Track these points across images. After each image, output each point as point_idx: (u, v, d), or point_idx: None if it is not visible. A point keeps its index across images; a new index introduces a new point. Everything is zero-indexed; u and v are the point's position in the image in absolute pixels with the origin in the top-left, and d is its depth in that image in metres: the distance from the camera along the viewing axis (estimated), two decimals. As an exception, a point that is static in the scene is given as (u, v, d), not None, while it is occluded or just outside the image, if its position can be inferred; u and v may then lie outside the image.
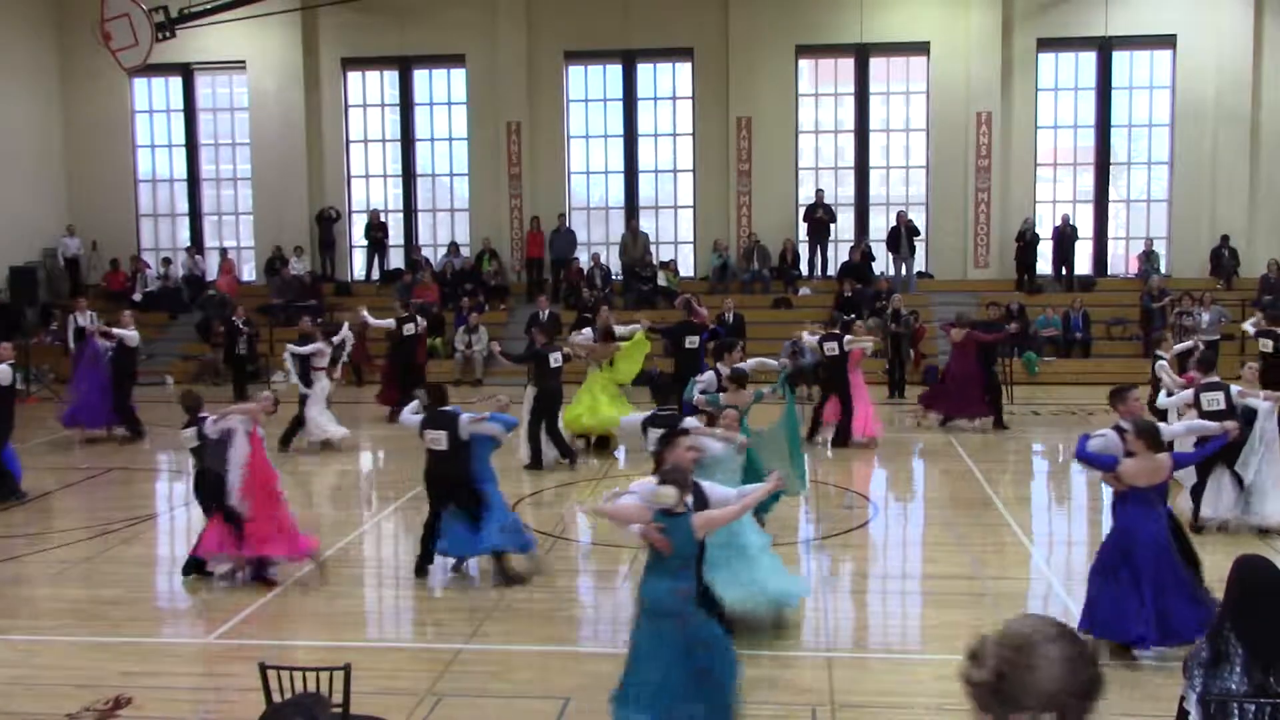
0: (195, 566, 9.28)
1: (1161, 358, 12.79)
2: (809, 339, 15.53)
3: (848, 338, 15.16)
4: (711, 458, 7.79)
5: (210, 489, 9.16)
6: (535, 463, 13.39)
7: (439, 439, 8.99)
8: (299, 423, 14.78)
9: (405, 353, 17.53)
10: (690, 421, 7.89)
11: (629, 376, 14.65)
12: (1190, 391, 10.55)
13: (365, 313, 17.61)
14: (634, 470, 13.83)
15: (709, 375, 11.54)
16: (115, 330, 15.94)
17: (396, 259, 25.17)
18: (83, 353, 16.41)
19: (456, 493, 8.99)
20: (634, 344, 14.69)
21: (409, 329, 17.46)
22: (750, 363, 12.13)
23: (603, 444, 14.66)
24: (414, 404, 9.69)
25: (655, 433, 8.57)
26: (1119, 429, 7.63)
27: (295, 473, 13.55)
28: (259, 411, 9.36)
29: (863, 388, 15.05)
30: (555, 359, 13.71)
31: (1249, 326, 15.53)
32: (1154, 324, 20.70)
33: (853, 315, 21.88)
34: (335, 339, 15.80)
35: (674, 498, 5.78)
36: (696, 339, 15.45)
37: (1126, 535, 7.14)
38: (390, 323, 17.43)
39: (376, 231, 24.72)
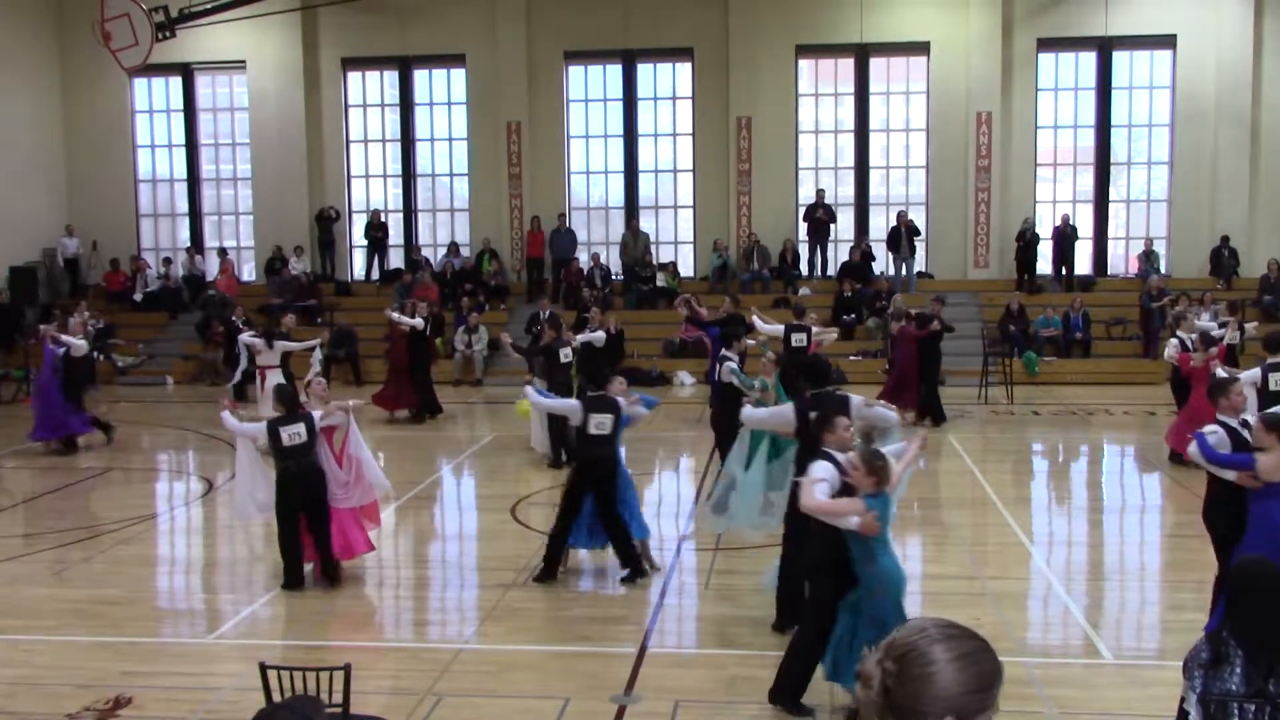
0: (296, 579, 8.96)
1: (1179, 337, 13.21)
2: (760, 324, 15.15)
3: (815, 329, 15.12)
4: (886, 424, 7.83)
5: (315, 489, 8.93)
6: (556, 462, 13.42)
7: (605, 423, 8.99)
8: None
9: (420, 354, 17.19)
10: (856, 400, 7.68)
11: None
12: (1258, 371, 10.66)
13: (391, 313, 17.20)
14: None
15: (735, 360, 11.75)
16: (64, 337, 15.29)
17: (396, 259, 25.18)
18: (43, 361, 15.61)
19: (613, 476, 9.05)
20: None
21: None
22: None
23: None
24: (533, 386, 10.13)
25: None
26: (1224, 424, 7.48)
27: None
28: (356, 408, 9.37)
29: None
30: (565, 354, 13.77)
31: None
32: (1153, 324, 20.73)
33: (853, 315, 21.99)
34: (288, 345, 15.30)
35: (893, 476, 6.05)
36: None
37: (1277, 532, 6.82)
38: (419, 321, 16.86)
39: (376, 231, 24.73)
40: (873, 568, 6.06)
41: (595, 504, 8.96)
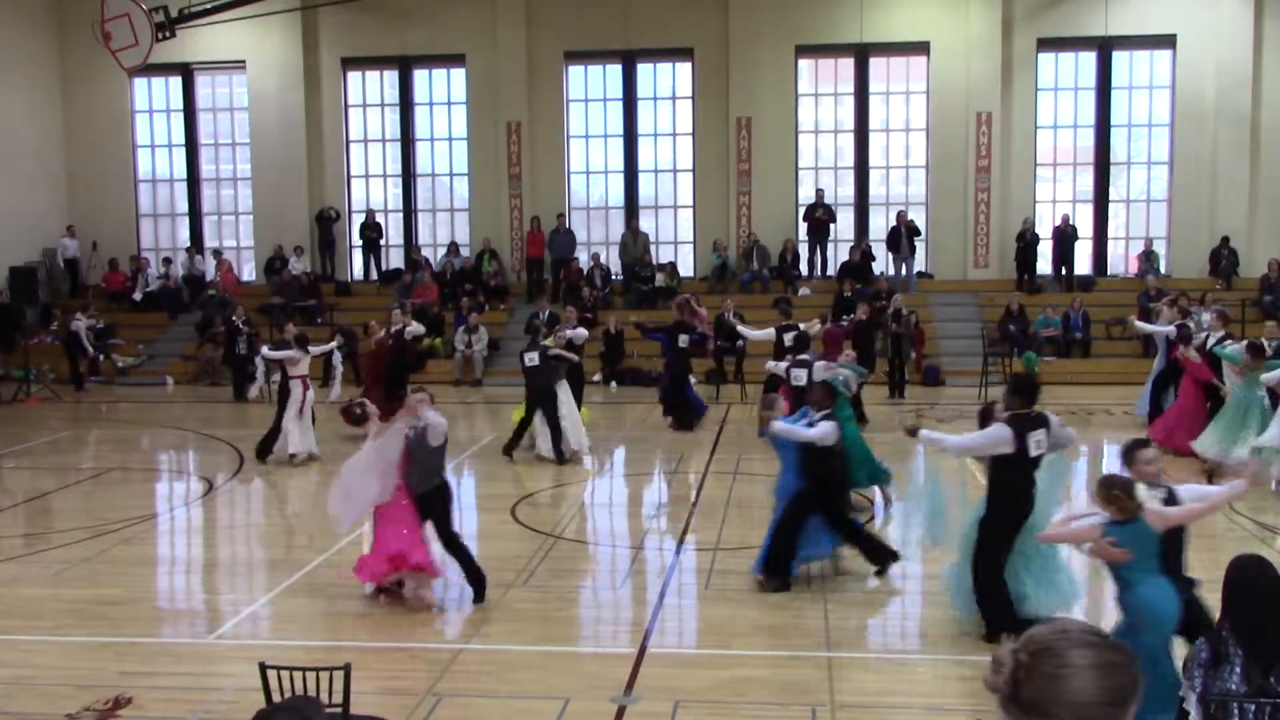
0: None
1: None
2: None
3: (803, 324, 15.38)
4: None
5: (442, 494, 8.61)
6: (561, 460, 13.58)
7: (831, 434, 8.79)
8: (275, 432, 13.90)
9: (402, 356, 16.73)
10: (1054, 419, 7.66)
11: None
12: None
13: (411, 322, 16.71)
14: (633, 471, 13.85)
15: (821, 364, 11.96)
16: None
17: (396, 259, 25.18)
18: None
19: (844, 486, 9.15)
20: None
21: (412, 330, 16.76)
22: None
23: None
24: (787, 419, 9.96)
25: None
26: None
27: (294, 472, 13.54)
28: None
29: None
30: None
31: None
32: (1153, 324, 20.71)
33: (853, 315, 21.99)
34: (315, 350, 14.93)
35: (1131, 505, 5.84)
36: (687, 338, 15.94)
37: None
38: (421, 329, 16.53)
39: (371, 232, 24.72)
40: (1129, 596, 5.85)
41: (825, 514, 8.90)
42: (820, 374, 11.36)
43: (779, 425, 8.82)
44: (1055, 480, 7.94)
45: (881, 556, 9.11)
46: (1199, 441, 12.87)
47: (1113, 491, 5.90)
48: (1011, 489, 7.43)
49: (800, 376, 11.72)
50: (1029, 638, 2.03)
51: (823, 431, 8.69)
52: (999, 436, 7.36)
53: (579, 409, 14.46)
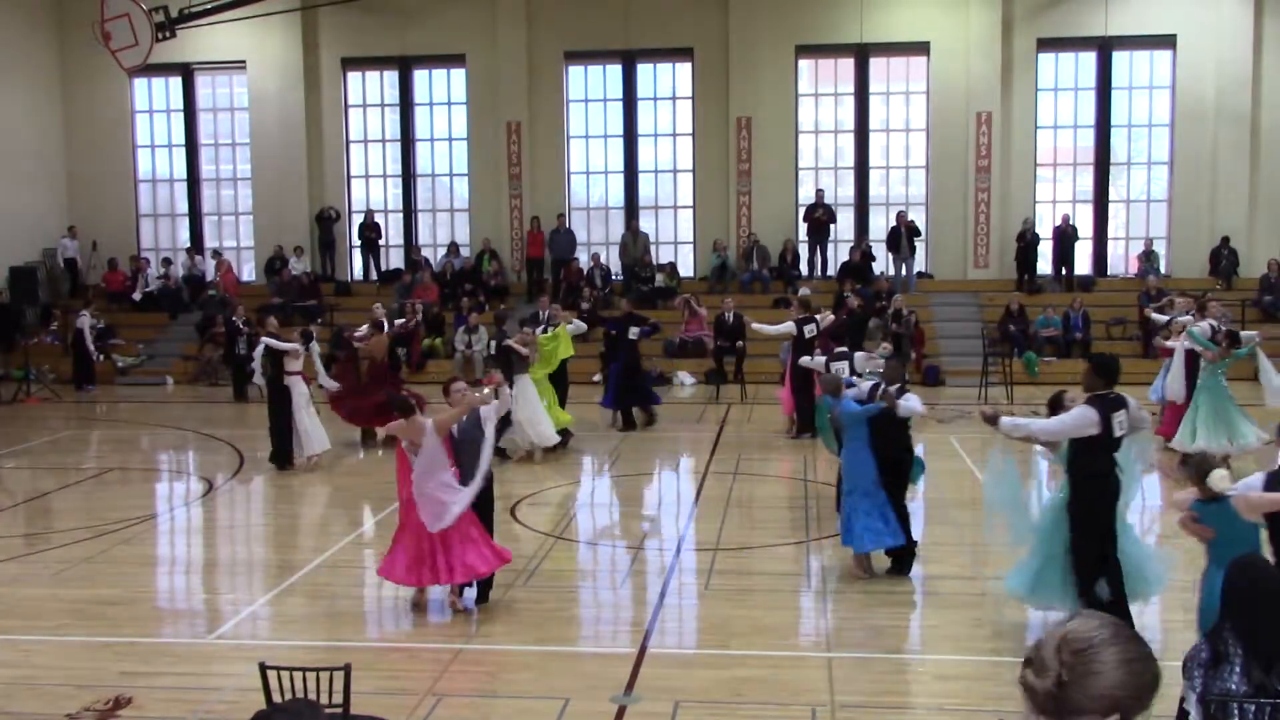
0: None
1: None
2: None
3: (818, 316, 15.44)
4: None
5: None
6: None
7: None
8: (285, 436, 13.44)
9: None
10: (1133, 402, 7.54)
11: (551, 366, 14.50)
12: None
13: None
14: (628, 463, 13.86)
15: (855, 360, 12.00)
16: None
17: (396, 259, 25.18)
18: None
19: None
20: (557, 341, 14.61)
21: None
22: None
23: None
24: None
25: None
26: None
27: (295, 473, 13.54)
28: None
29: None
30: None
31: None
32: (1153, 324, 20.71)
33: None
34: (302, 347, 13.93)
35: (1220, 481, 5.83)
36: (637, 330, 16.20)
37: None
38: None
39: (369, 232, 24.72)
40: (1205, 579, 5.86)
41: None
42: (861, 365, 11.40)
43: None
44: (1134, 461, 7.78)
45: (907, 562, 9.05)
46: (1178, 437, 12.94)
47: (1201, 468, 5.92)
48: (1097, 472, 7.33)
49: (842, 369, 11.63)
50: (1065, 638, 2.11)
51: (912, 403, 8.87)
52: (1086, 418, 7.26)
53: (561, 409, 14.42)
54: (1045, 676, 2.08)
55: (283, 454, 13.48)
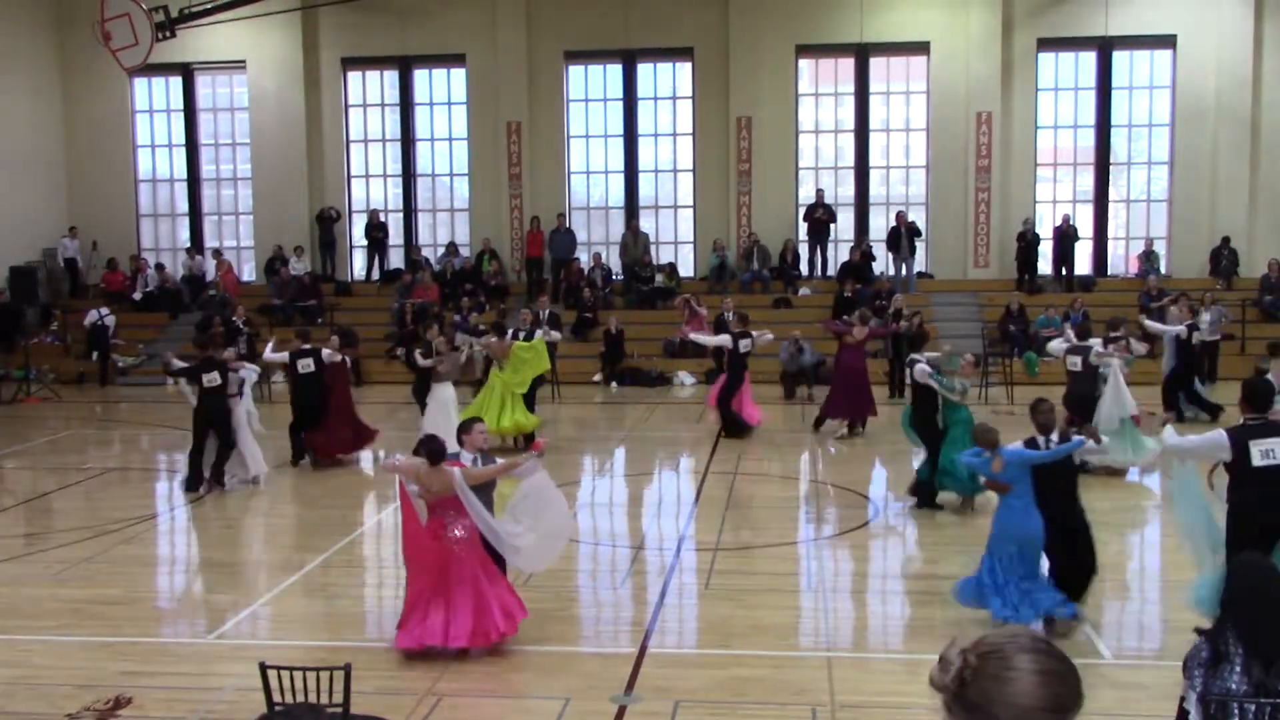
0: None
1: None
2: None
3: (754, 333, 15.64)
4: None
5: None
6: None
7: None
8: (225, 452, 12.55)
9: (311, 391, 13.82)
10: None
11: (524, 385, 14.44)
12: None
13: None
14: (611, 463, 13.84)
15: (925, 364, 11.85)
16: None
17: (396, 259, 25.17)
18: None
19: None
20: (534, 353, 14.61)
21: (305, 365, 13.70)
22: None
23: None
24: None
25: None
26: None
27: (295, 473, 13.53)
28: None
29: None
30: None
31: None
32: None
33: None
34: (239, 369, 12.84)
35: None
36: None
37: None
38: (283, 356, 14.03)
39: (376, 231, 24.72)
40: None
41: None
42: (920, 377, 11.25)
43: (1009, 450, 7.35)
44: None
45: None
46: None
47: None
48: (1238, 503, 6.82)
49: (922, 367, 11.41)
50: (979, 640, 2.06)
51: (1078, 444, 7.61)
52: (1217, 443, 6.82)
53: (529, 413, 14.36)
54: (946, 673, 2.03)
55: (217, 470, 12.51)
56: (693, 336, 17.32)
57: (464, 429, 7.89)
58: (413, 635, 7.25)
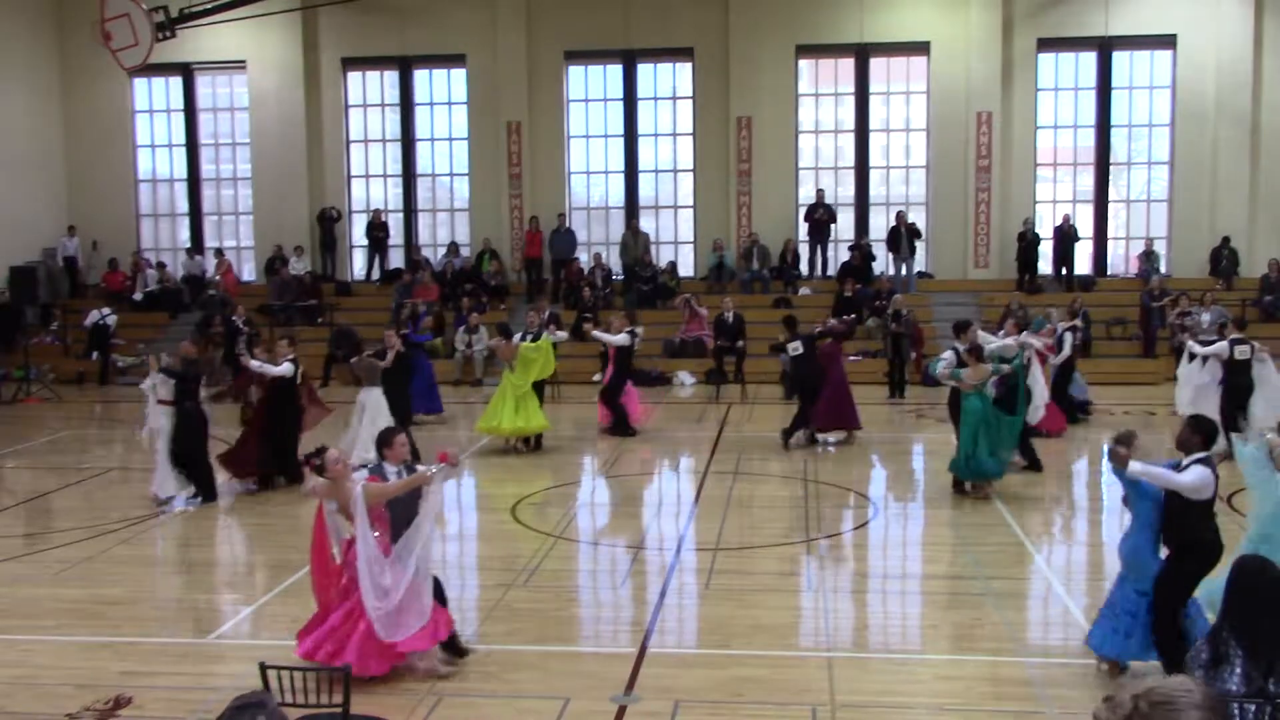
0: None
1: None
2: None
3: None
4: None
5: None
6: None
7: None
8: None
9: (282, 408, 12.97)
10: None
11: (525, 386, 14.50)
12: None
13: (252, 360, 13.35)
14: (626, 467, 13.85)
15: (949, 354, 12.11)
16: None
17: (397, 259, 25.18)
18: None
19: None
20: (542, 354, 14.66)
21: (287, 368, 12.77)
22: (990, 343, 13.22)
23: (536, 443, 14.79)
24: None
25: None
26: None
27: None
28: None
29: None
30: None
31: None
32: (1153, 323, 20.75)
33: (853, 316, 21.97)
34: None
35: None
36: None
37: None
38: (285, 369, 12.70)
39: (377, 231, 24.73)
40: None
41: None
42: (941, 376, 11.95)
43: (1136, 466, 6.64)
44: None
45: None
46: None
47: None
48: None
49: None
50: (1153, 689, 2.08)
51: (1195, 478, 6.60)
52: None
53: (541, 414, 14.61)
54: (1115, 714, 2.06)
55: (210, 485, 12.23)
56: (595, 334, 17.03)
57: (384, 441, 7.45)
58: (311, 640, 7.14)
